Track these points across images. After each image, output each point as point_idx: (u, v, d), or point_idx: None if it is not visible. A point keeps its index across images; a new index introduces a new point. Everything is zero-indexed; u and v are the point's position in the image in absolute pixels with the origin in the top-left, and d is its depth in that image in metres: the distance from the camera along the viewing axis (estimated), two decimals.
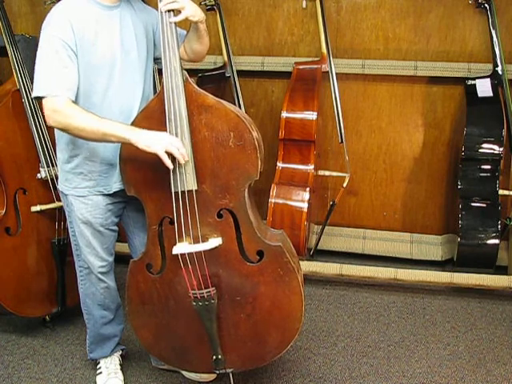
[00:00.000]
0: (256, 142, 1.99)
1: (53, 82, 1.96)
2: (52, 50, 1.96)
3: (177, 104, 1.96)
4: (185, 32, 2.22)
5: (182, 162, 1.95)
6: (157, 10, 2.06)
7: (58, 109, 1.95)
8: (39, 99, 2.00)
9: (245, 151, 1.99)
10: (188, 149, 1.98)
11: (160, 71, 2.39)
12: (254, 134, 2.00)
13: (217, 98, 2.00)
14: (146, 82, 2.24)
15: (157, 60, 2.30)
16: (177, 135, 1.97)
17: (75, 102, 2.01)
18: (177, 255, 2.07)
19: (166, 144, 1.92)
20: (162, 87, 1.98)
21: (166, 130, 1.98)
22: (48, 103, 1.96)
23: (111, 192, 2.25)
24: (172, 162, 1.95)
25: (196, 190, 2.02)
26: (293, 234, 3.17)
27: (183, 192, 2.01)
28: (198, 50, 2.25)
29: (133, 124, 2.05)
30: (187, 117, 1.98)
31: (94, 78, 2.06)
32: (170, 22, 1.98)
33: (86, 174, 2.20)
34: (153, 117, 2.02)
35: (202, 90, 2.01)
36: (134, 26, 2.15)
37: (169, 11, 1.97)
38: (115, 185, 2.23)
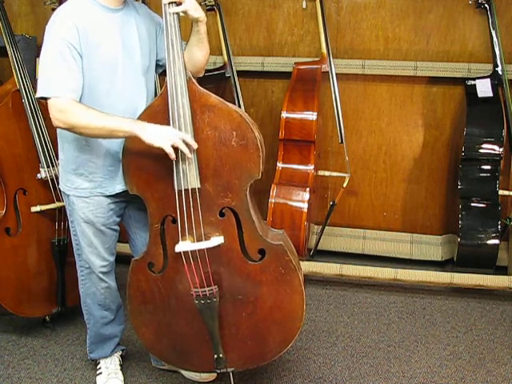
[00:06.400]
0: (258, 142, 2.00)
1: (57, 83, 1.97)
2: (56, 51, 1.97)
3: (180, 103, 1.97)
4: (185, 42, 2.22)
5: (190, 155, 1.96)
6: (160, 15, 2.06)
7: (63, 108, 1.97)
8: (43, 99, 2.02)
9: (247, 150, 2.00)
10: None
11: (160, 74, 2.40)
12: (256, 133, 2.01)
13: (219, 98, 2.01)
14: (150, 82, 2.24)
15: (158, 64, 2.30)
16: None
17: (80, 102, 2.03)
18: (179, 254, 2.07)
19: (173, 138, 1.93)
20: (166, 87, 1.99)
21: None
22: (53, 105, 1.99)
23: (113, 193, 2.25)
24: (176, 156, 1.98)
25: (199, 189, 2.03)
26: (293, 234, 3.17)
27: (186, 190, 2.02)
28: (198, 58, 2.22)
29: None
30: (190, 116, 1.98)
31: (97, 79, 2.07)
32: (174, 23, 1.98)
33: (87, 175, 2.20)
34: (156, 116, 2.03)
35: (205, 90, 2.02)
36: (138, 29, 2.16)
37: (170, 3, 1.98)
38: (118, 186, 2.23)
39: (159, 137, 1.94)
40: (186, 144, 1.95)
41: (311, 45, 3.68)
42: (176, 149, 1.95)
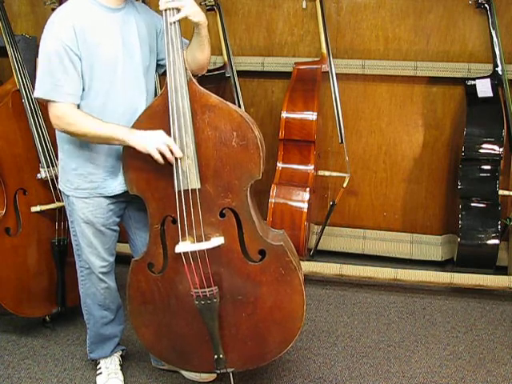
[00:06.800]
0: (259, 142, 1.99)
1: (55, 87, 1.99)
2: (55, 55, 1.97)
3: (180, 104, 1.97)
4: (187, 41, 2.23)
5: (172, 161, 1.99)
6: (159, 14, 2.06)
7: (61, 115, 2.01)
8: (41, 99, 2.04)
9: (247, 150, 2.00)
10: (191, 148, 2.00)
11: (160, 74, 2.40)
12: (257, 133, 2.01)
13: (220, 98, 2.01)
14: (150, 82, 2.24)
15: (159, 64, 2.30)
16: (180, 135, 1.98)
17: (79, 104, 2.05)
18: (179, 254, 2.07)
19: (157, 143, 1.96)
20: (166, 87, 1.99)
21: (169, 130, 1.99)
22: (53, 109, 2.02)
23: (112, 194, 2.25)
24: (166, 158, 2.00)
25: (199, 189, 2.03)
26: (293, 234, 3.17)
27: (186, 191, 2.02)
28: (199, 58, 2.23)
29: (136, 123, 2.06)
30: (191, 116, 1.98)
31: (97, 79, 2.07)
32: (171, 23, 1.98)
33: (86, 175, 2.20)
34: (156, 116, 2.03)
35: (205, 90, 2.01)
36: (138, 29, 2.15)
37: (169, 9, 1.97)
38: (118, 187, 2.23)
39: (147, 143, 1.97)
40: (172, 151, 1.98)
41: (311, 45, 3.68)
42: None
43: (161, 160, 1.97)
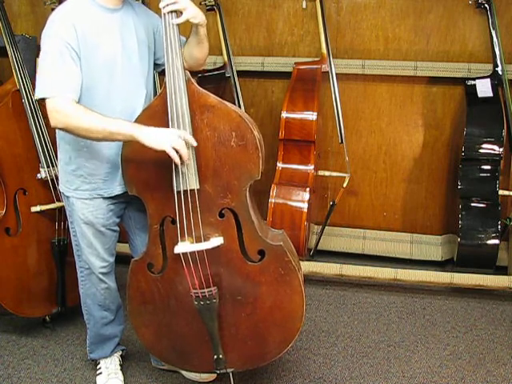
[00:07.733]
0: (258, 142, 1.99)
1: (56, 83, 1.96)
2: (55, 52, 1.96)
3: (179, 104, 1.97)
4: (185, 39, 2.22)
5: (188, 161, 1.95)
6: (159, 15, 2.06)
7: (60, 109, 1.95)
8: (42, 100, 1.99)
9: (246, 151, 2.00)
10: (191, 148, 1.99)
11: (159, 73, 2.40)
12: (256, 133, 2.01)
13: (219, 98, 2.01)
14: (148, 83, 2.24)
15: (157, 64, 2.30)
16: None
17: (78, 103, 2.01)
18: (178, 254, 2.07)
19: (173, 140, 1.91)
20: (165, 87, 1.99)
21: None
22: (50, 104, 1.96)
23: (112, 195, 2.25)
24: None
25: (198, 190, 2.03)
26: (293, 234, 3.17)
27: (185, 191, 2.02)
28: (197, 56, 2.24)
29: (135, 123, 2.04)
30: (189, 116, 1.98)
31: (96, 79, 2.06)
32: (173, 25, 1.98)
33: (85, 176, 2.20)
34: (155, 117, 2.03)
35: (204, 90, 2.02)
36: (136, 29, 2.16)
37: (171, 12, 1.98)
38: (117, 188, 2.23)
39: (160, 140, 1.91)
40: (186, 143, 1.94)
41: (311, 45, 3.68)
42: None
43: (177, 159, 1.92)
